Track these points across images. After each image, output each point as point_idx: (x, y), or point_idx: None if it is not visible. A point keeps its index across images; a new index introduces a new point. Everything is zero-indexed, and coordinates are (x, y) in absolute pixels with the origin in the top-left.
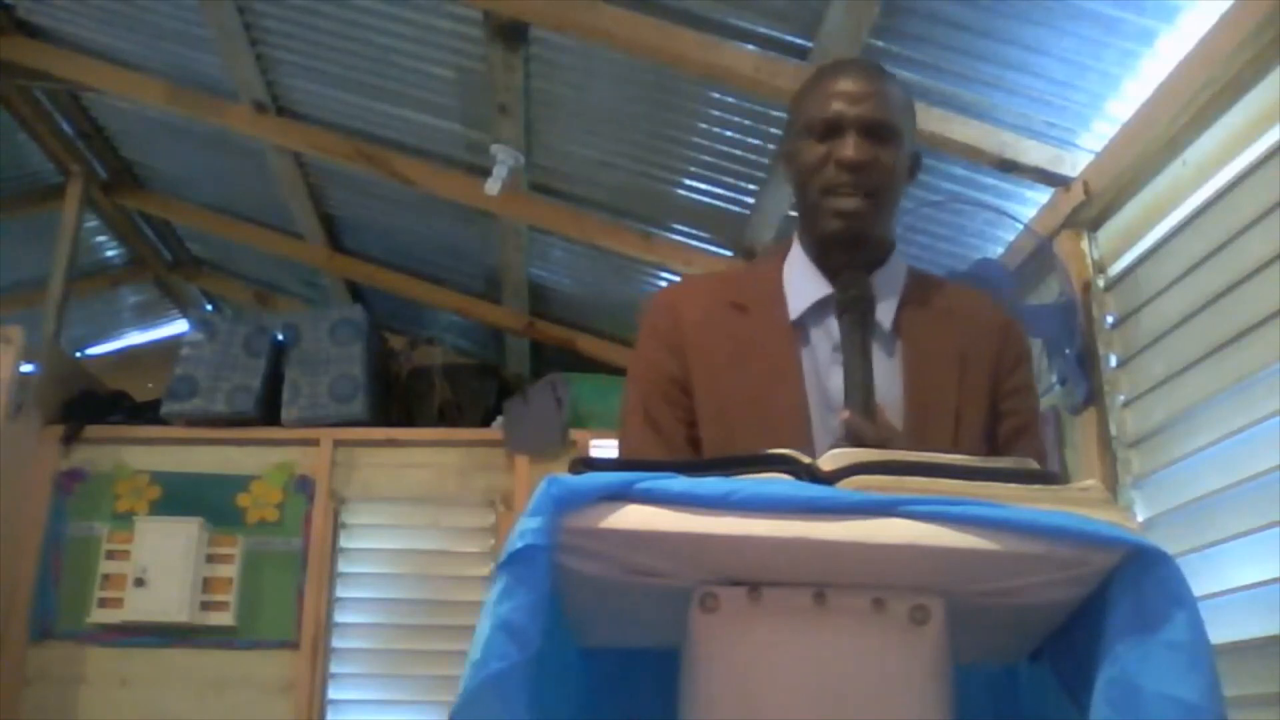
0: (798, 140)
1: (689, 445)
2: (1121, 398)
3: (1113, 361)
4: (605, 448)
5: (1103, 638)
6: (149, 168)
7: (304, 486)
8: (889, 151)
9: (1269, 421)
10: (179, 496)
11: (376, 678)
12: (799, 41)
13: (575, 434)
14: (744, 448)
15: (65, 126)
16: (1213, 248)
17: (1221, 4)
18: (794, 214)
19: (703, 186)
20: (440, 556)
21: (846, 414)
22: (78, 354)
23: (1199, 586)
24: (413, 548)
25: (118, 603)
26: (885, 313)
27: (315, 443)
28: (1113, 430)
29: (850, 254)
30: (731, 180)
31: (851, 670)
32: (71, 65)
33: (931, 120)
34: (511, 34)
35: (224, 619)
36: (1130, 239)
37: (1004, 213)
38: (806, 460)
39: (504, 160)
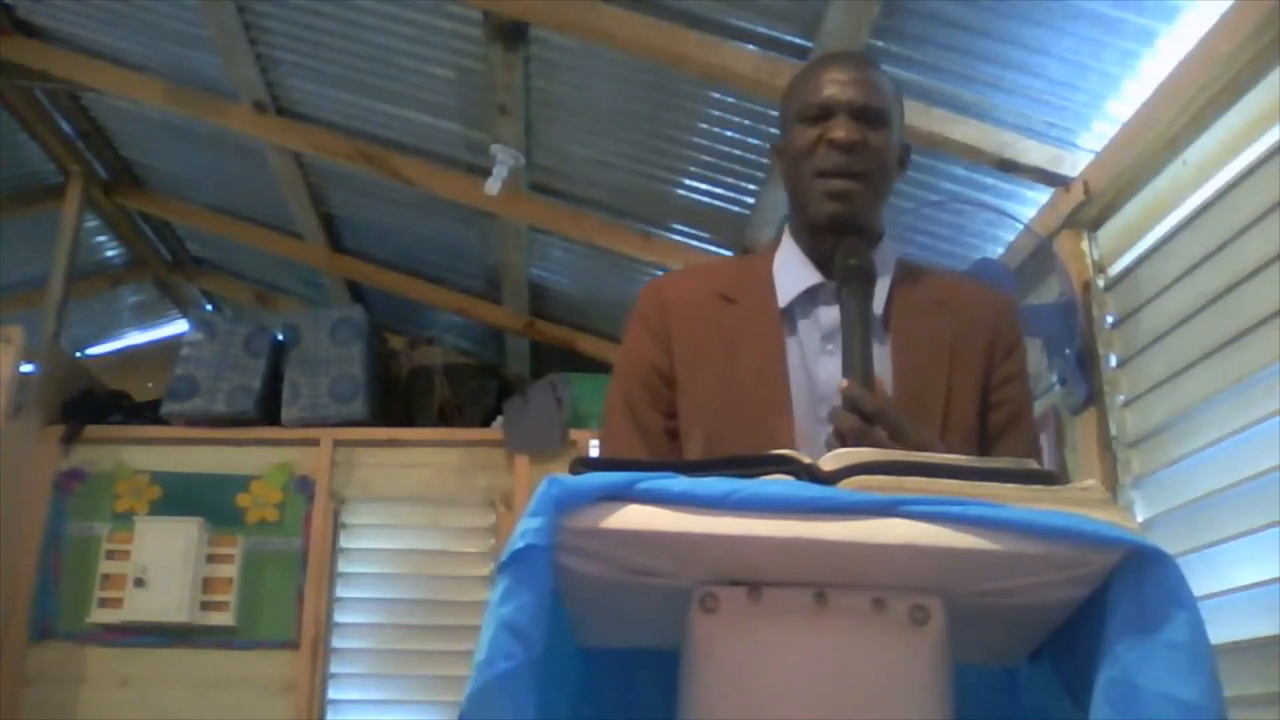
0: (790, 129)
1: (666, 436)
2: (1121, 398)
3: (1113, 361)
4: None
5: (1103, 638)
6: (149, 168)
7: (304, 486)
8: (880, 135)
9: (1269, 421)
10: (179, 496)
11: (376, 678)
12: (799, 41)
13: (575, 434)
14: (725, 439)
15: (65, 126)
16: (1213, 248)
17: (1221, 4)
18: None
19: (703, 186)
20: (440, 556)
21: (846, 383)
22: (78, 354)
23: (1199, 586)
24: (413, 548)
25: (118, 603)
26: (875, 300)
27: (315, 443)
28: (1113, 430)
29: (841, 239)
30: (731, 180)
31: (851, 670)
32: (71, 65)
33: (931, 120)
34: (511, 34)
35: (224, 619)
36: (1130, 239)
37: (1004, 213)
38: (807, 460)
39: (504, 160)
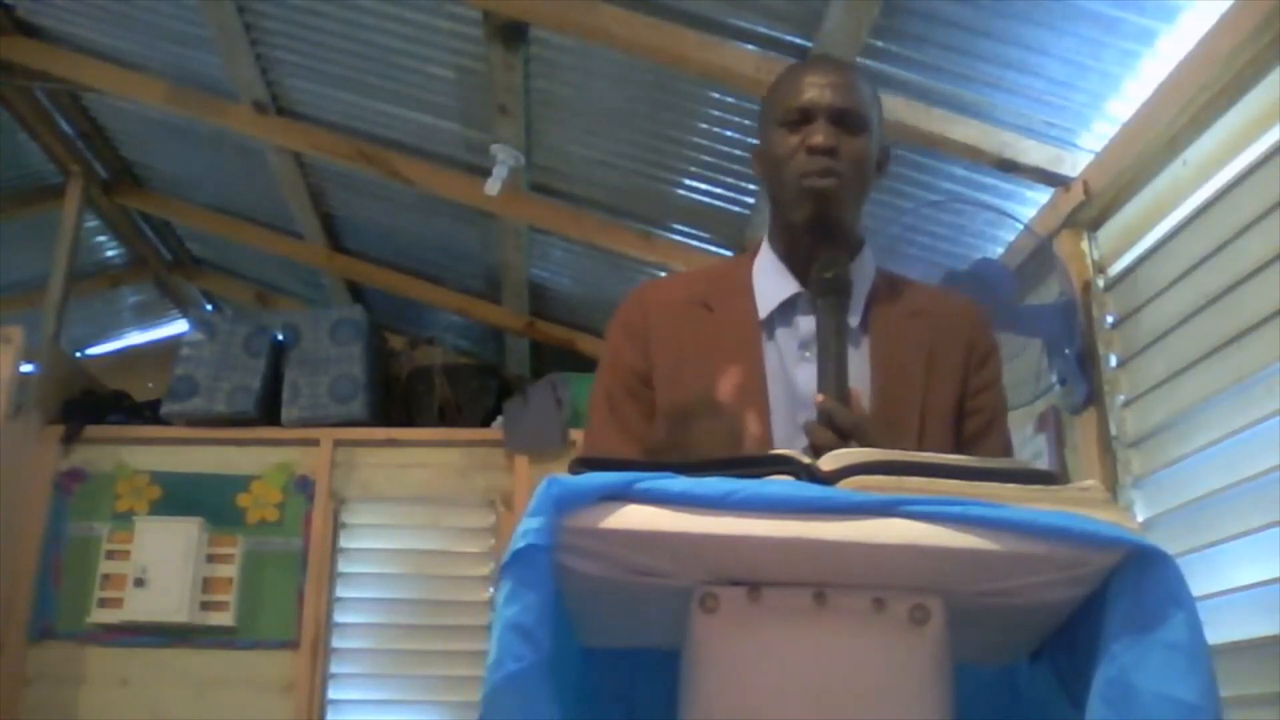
0: (769, 134)
1: (647, 437)
2: (1121, 398)
3: (1113, 361)
4: None
5: (1102, 637)
6: (149, 168)
7: (304, 486)
8: (858, 140)
9: (1269, 421)
10: (179, 496)
11: (376, 678)
12: (799, 41)
13: (575, 434)
14: (699, 444)
15: (65, 126)
16: (1213, 248)
17: (1221, 4)
18: None
19: (703, 186)
20: (440, 556)
21: (821, 398)
22: (78, 354)
23: (1199, 586)
24: (413, 548)
25: (118, 603)
26: (854, 309)
27: (315, 443)
28: (1113, 430)
29: (820, 243)
30: (731, 180)
31: (851, 670)
32: (71, 65)
33: (931, 120)
34: (511, 34)
35: (224, 619)
36: (1130, 239)
37: (1004, 213)
38: (806, 460)
39: (504, 160)
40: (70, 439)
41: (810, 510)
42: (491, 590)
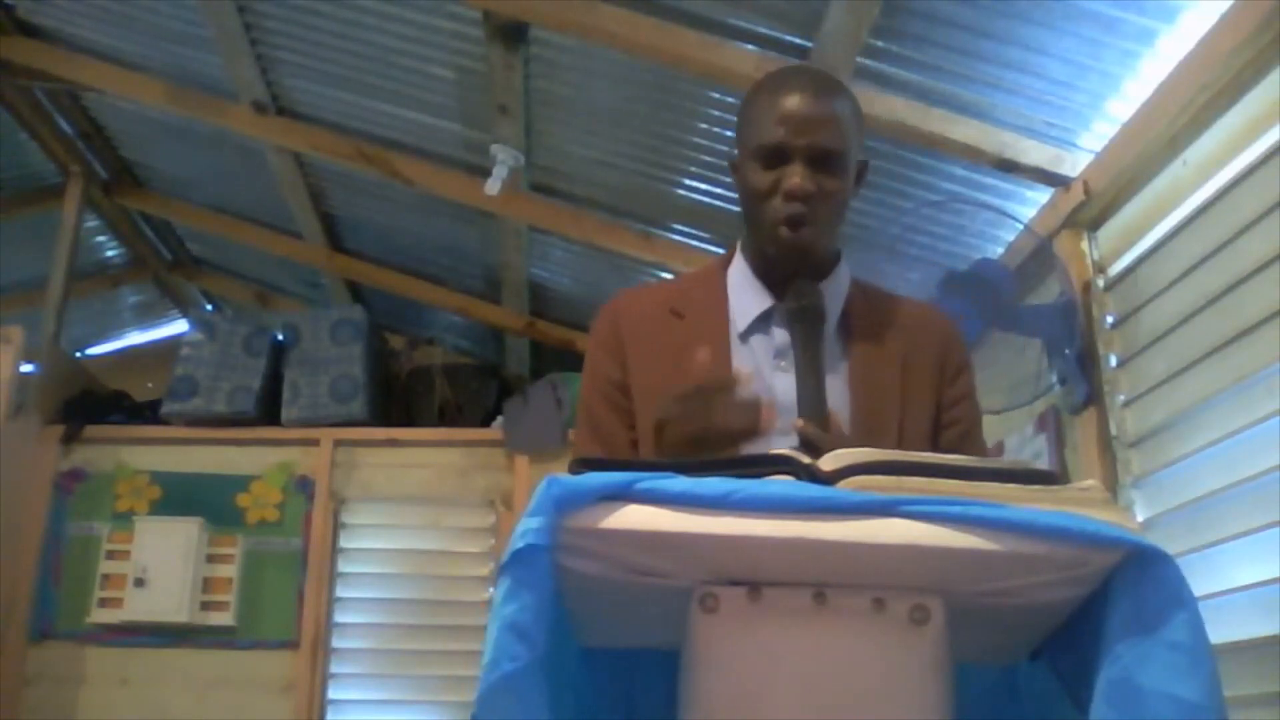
0: (744, 160)
1: (631, 448)
2: (1121, 398)
3: (1113, 361)
4: None
5: (1103, 637)
6: (149, 168)
7: (304, 486)
8: (835, 179)
9: (1269, 421)
10: (179, 496)
11: (376, 678)
12: (799, 41)
13: (575, 434)
14: (679, 450)
15: (65, 126)
16: (1213, 248)
17: (1221, 4)
18: None
19: (703, 186)
20: (440, 556)
21: (801, 423)
22: (78, 354)
23: (1199, 586)
24: (413, 548)
25: (118, 603)
26: (831, 321)
27: (315, 443)
28: (1113, 430)
29: (793, 274)
30: (731, 180)
31: (851, 670)
32: (71, 65)
33: (931, 120)
34: (511, 34)
35: (224, 619)
36: (1130, 239)
37: (1004, 213)
38: (806, 460)
39: (504, 160)
40: (70, 439)
41: (810, 510)
42: (491, 590)
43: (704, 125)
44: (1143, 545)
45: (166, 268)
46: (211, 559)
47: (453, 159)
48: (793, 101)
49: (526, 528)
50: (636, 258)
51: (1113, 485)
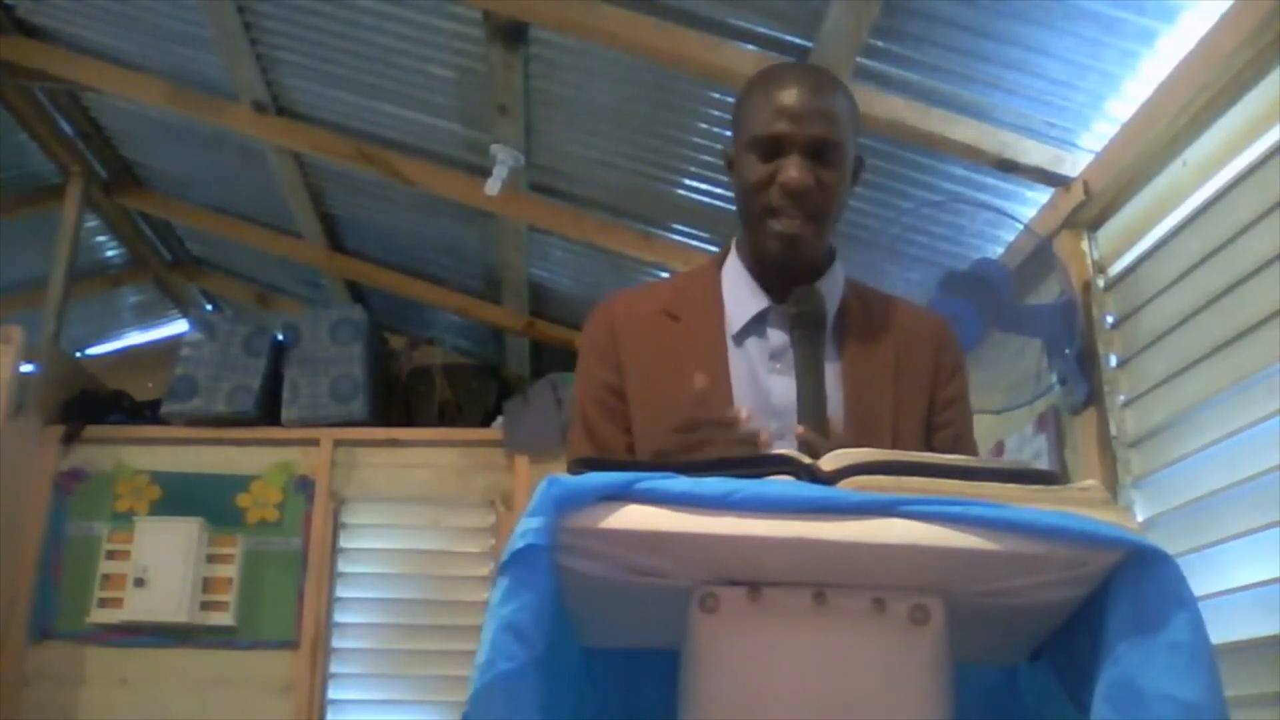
0: (740, 154)
1: (627, 452)
2: (1121, 398)
3: (1113, 361)
4: None
5: (1103, 638)
6: (149, 168)
7: (304, 486)
8: (832, 172)
9: (1269, 421)
10: (179, 496)
11: (376, 678)
12: (799, 41)
13: (570, 437)
14: (675, 453)
15: (65, 126)
16: (1213, 248)
17: (1221, 4)
18: None
19: (703, 186)
20: (440, 556)
21: (801, 430)
22: (78, 354)
23: (1199, 586)
24: (413, 548)
25: (118, 603)
26: (825, 323)
27: (315, 443)
28: (1113, 430)
29: (788, 272)
30: (728, 178)
31: (851, 670)
32: (71, 65)
33: (931, 120)
34: (511, 34)
35: (224, 619)
36: (1130, 239)
37: (1004, 213)
38: (806, 460)
39: (504, 160)
40: (70, 439)
41: (810, 510)
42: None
43: (704, 125)
44: (1143, 545)
45: (166, 268)
46: (211, 559)
47: (453, 159)
48: (790, 94)
49: (526, 528)
50: (636, 258)
51: (1113, 485)
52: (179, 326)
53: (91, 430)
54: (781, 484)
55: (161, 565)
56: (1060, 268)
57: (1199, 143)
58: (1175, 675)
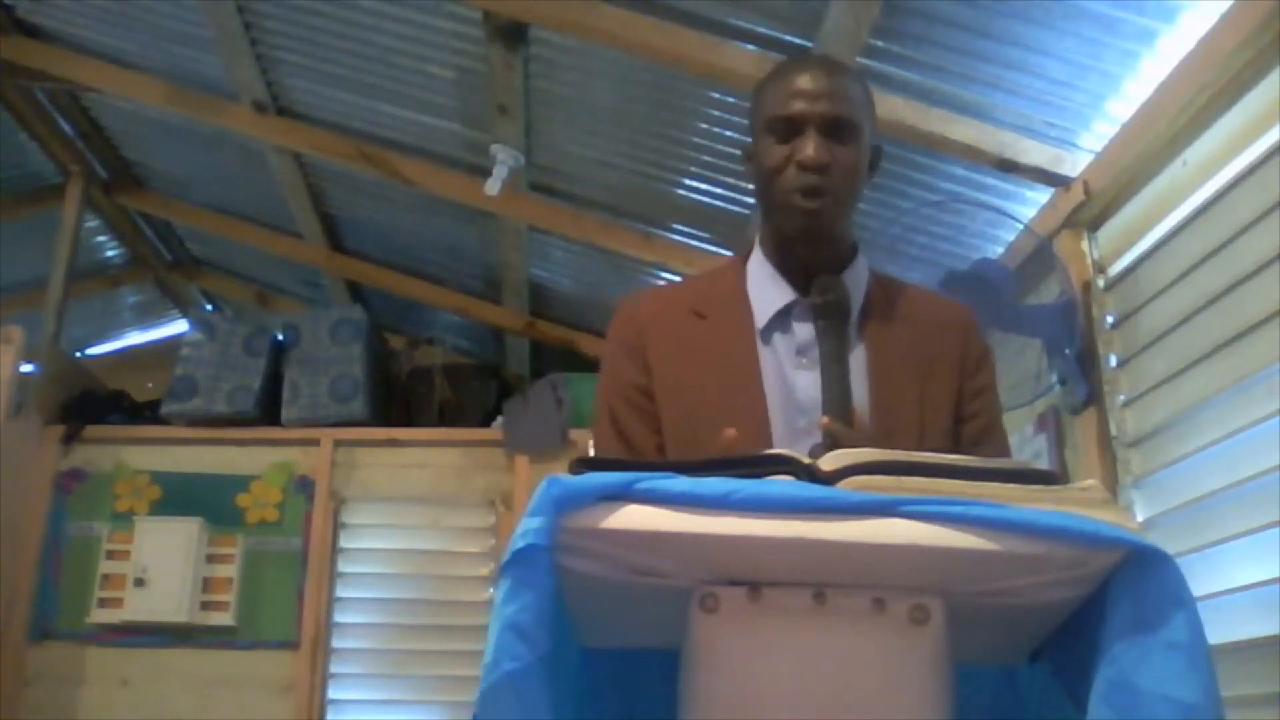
0: (758, 141)
1: (657, 453)
2: (1121, 398)
3: (1113, 361)
4: None
5: (1102, 638)
6: (149, 168)
7: (304, 486)
8: (850, 150)
9: (1269, 421)
10: (179, 496)
11: (376, 678)
12: (799, 41)
13: (575, 434)
14: (703, 447)
15: (65, 126)
16: (1213, 248)
17: (1221, 4)
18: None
19: (703, 186)
20: (440, 556)
21: (826, 420)
22: (78, 354)
23: (1199, 586)
24: (413, 548)
25: (118, 603)
26: (850, 316)
27: (315, 443)
28: (1113, 430)
29: (812, 253)
30: (731, 180)
31: (851, 670)
32: (71, 65)
33: (931, 120)
34: (511, 34)
35: (224, 619)
36: (1130, 239)
37: (1004, 213)
38: (806, 461)
39: (504, 160)
40: (70, 439)
41: (810, 510)
42: (491, 590)
43: (704, 125)
44: (1143, 545)
45: (166, 268)
46: (211, 559)
47: (453, 159)
48: (805, 77)
49: (527, 528)
50: (636, 258)
51: (1113, 485)
52: (179, 326)
53: (91, 430)
54: (781, 484)
55: (161, 565)
56: (1060, 268)
57: (1199, 143)
58: (1173, 675)
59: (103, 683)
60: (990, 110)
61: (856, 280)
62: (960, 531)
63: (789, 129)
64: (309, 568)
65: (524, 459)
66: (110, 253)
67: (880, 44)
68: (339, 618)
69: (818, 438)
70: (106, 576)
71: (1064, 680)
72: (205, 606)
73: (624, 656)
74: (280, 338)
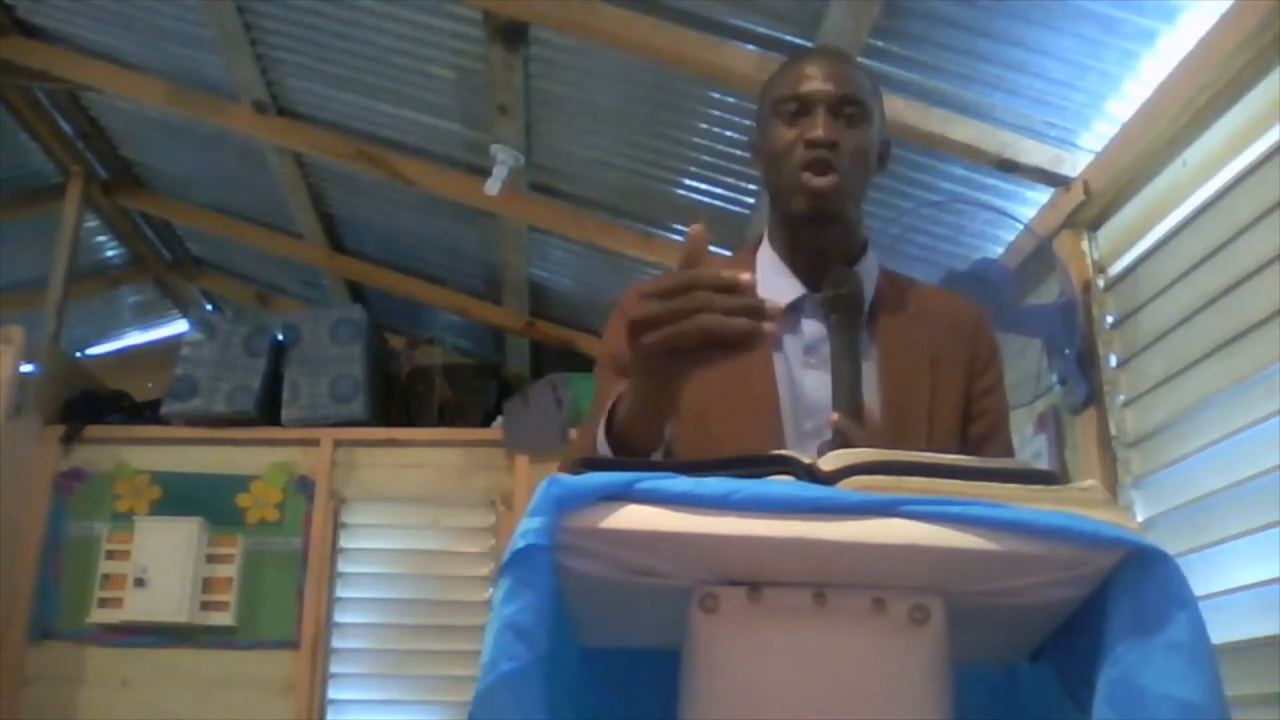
0: (767, 126)
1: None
2: (1121, 398)
3: (1113, 361)
4: None
5: (1103, 638)
6: (149, 168)
7: (304, 486)
8: (859, 132)
9: (1269, 421)
10: (179, 496)
11: (376, 678)
12: (799, 41)
13: (576, 434)
14: (715, 447)
15: (65, 126)
16: (1213, 248)
17: (1221, 4)
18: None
19: (703, 186)
20: (440, 556)
21: (836, 417)
22: (78, 354)
23: (1199, 586)
24: (413, 548)
25: (118, 603)
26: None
27: (315, 443)
28: (1113, 430)
29: (821, 236)
30: (731, 180)
31: (851, 670)
32: (71, 65)
33: (931, 120)
34: (511, 34)
35: (224, 619)
36: (1130, 239)
37: (1004, 213)
38: (806, 460)
39: (504, 160)
40: (70, 439)
41: (810, 510)
42: (491, 590)
43: (704, 125)
44: (1143, 545)
45: (166, 268)
46: (211, 559)
47: (453, 159)
48: (813, 63)
49: (527, 528)
50: (636, 258)
51: (1113, 485)
52: (179, 326)
53: (91, 430)
54: (781, 484)
55: (161, 565)
56: (1060, 268)
57: (1199, 143)
58: (1175, 675)
59: (103, 683)
60: (990, 110)
61: (867, 276)
62: (960, 531)
63: (798, 110)
64: (309, 568)
65: (524, 459)
66: (110, 253)
67: (880, 44)
68: (339, 618)
69: (823, 439)
70: (106, 576)
71: (1064, 680)
72: (205, 606)
73: (624, 656)
74: (280, 338)
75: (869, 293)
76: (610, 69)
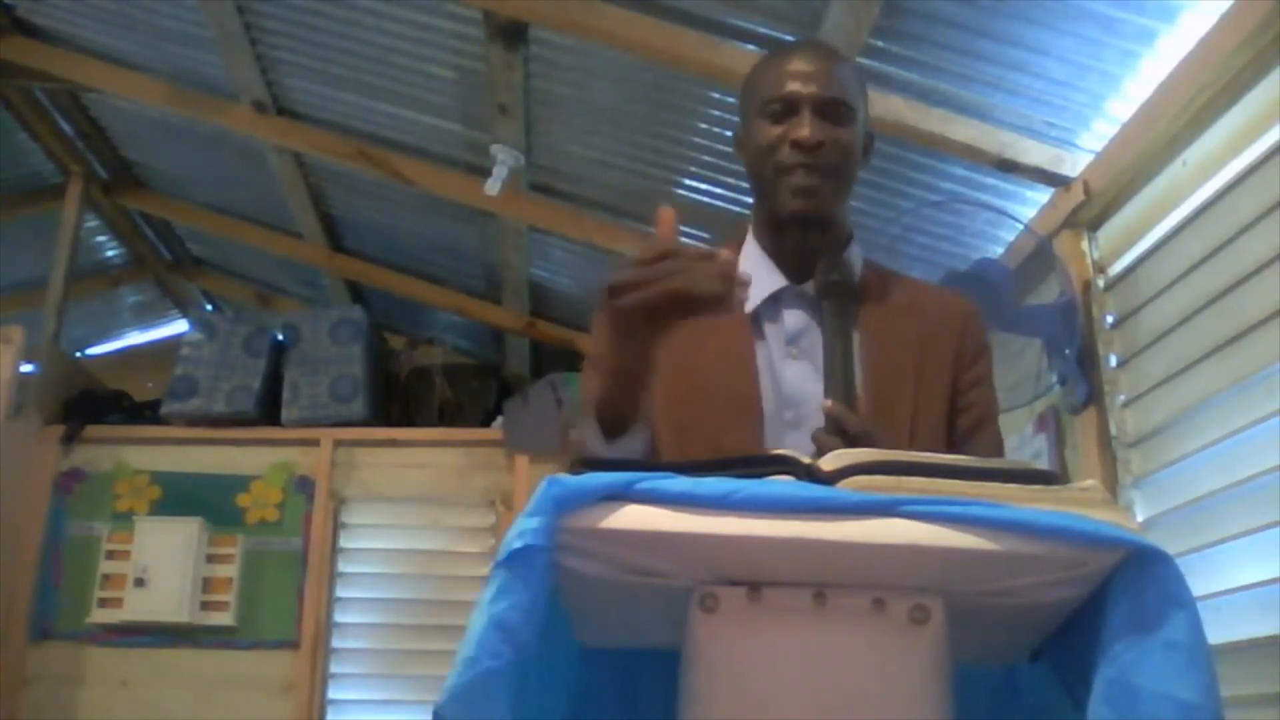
0: (751, 123)
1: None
2: (1121, 398)
3: (1113, 361)
4: None
5: (1102, 637)
6: (149, 168)
7: (304, 486)
8: (845, 131)
9: (1269, 421)
10: (179, 496)
11: (376, 678)
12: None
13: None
14: (694, 439)
15: (65, 126)
16: (1213, 248)
17: (1221, 4)
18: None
19: (703, 186)
20: (440, 556)
21: (829, 403)
22: (78, 354)
23: (1199, 586)
24: (413, 548)
25: (118, 603)
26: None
27: (315, 443)
28: (1113, 430)
29: (807, 236)
30: (731, 180)
31: (851, 670)
32: (71, 65)
33: (931, 120)
34: (511, 34)
35: (224, 619)
36: (1130, 239)
37: (1004, 213)
38: (806, 460)
39: (504, 160)
40: (70, 439)
41: (810, 510)
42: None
43: (704, 125)
44: (1143, 545)
45: (166, 268)
46: (211, 559)
47: (453, 159)
48: (799, 59)
49: (525, 527)
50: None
51: (1113, 485)
52: (179, 326)
53: (91, 430)
54: (781, 484)
55: (161, 565)
56: (1060, 268)
57: (1199, 143)
58: (1173, 675)
59: (102, 683)
60: (990, 110)
61: (851, 266)
62: (960, 531)
63: (783, 110)
64: (309, 568)
65: (524, 459)
66: (110, 253)
67: (880, 44)
68: (339, 618)
69: (805, 431)
70: (106, 576)
71: (1063, 680)
72: (205, 606)
73: (624, 656)
74: (280, 338)
75: (853, 283)
76: (610, 69)
